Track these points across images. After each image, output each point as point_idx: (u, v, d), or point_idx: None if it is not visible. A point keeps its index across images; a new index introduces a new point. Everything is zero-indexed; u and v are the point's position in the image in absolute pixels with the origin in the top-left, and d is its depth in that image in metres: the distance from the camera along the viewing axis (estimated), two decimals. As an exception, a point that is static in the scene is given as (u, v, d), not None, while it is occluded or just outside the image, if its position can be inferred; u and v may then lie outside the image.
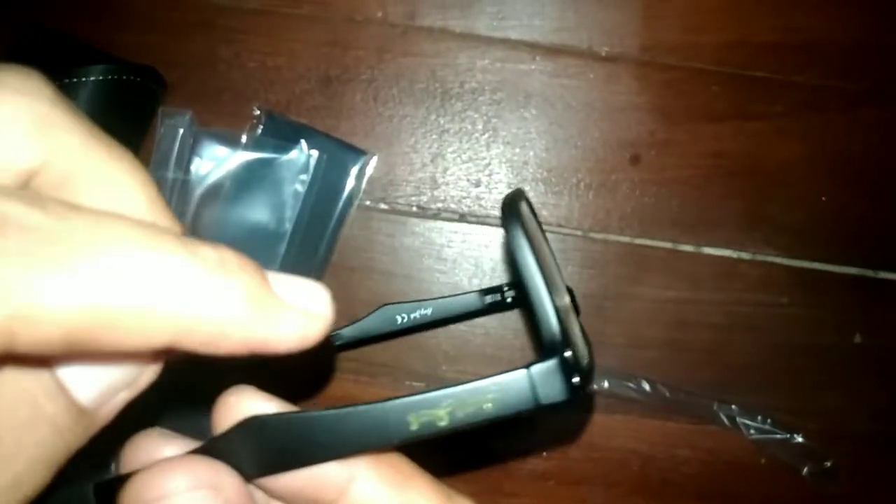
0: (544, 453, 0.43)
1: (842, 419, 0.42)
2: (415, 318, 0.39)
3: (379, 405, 0.16)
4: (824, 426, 0.42)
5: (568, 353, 0.16)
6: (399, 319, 0.39)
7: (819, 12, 0.43)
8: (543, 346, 0.16)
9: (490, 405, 0.16)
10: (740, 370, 0.43)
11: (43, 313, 0.12)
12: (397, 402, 0.16)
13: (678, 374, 0.43)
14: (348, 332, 0.40)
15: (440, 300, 0.39)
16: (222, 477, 0.16)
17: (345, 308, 0.43)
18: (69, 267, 0.12)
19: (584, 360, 0.17)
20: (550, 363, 0.16)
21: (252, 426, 0.17)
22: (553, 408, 0.16)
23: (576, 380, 0.16)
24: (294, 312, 0.15)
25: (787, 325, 0.43)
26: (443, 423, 0.16)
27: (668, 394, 0.42)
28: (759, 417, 0.41)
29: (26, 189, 0.15)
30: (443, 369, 0.43)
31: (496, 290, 0.40)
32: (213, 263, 0.14)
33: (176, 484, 0.15)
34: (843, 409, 0.42)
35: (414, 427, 0.16)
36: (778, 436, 0.41)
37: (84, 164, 0.15)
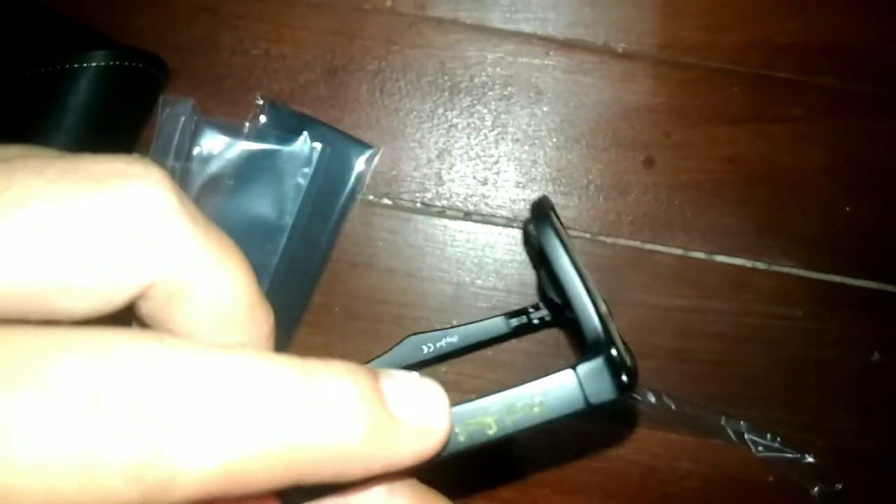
0: (541, 460, 0.42)
1: (854, 439, 0.41)
2: (441, 346, 0.38)
3: None
4: (836, 445, 0.41)
5: (614, 351, 0.15)
6: (425, 349, 0.38)
7: (845, 14, 0.41)
8: (587, 346, 0.16)
9: (538, 409, 0.15)
10: (749, 384, 0.42)
11: (179, 480, 0.11)
12: None
13: (684, 386, 0.42)
14: (374, 365, 0.38)
15: (465, 327, 0.38)
16: None
17: (345, 304, 0.42)
18: (201, 430, 0.11)
19: (629, 359, 0.17)
20: (597, 361, 0.15)
21: None
22: (602, 408, 0.15)
23: (624, 377, 0.15)
24: (414, 433, 0.14)
25: (800, 338, 0.41)
26: (491, 432, 0.15)
27: (673, 405, 0.41)
28: (769, 434, 0.40)
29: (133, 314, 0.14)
30: (442, 370, 0.42)
31: (521, 312, 0.39)
32: (330, 390, 0.13)
33: None
34: (856, 429, 0.41)
35: (462, 438, 0.15)
36: (787, 454, 0.40)
37: (198, 273, 0.14)
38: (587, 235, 0.42)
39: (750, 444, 0.40)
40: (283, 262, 0.41)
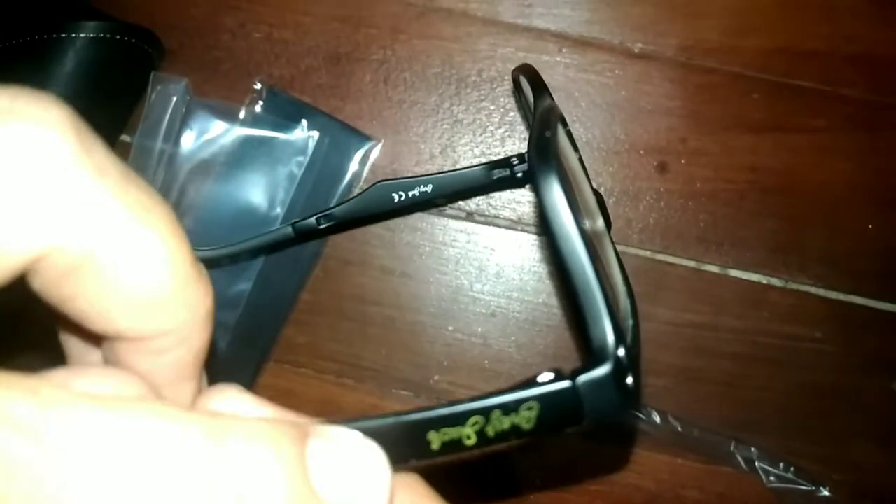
0: (538, 481, 0.39)
1: (875, 474, 0.38)
2: (413, 195, 0.35)
3: (392, 420, 0.13)
4: (854, 480, 0.38)
5: (622, 353, 0.13)
6: (396, 197, 0.35)
7: (875, 22, 0.39)
8: (591, 351, 0.13)
9: (526, 423, 0.13)
10: (761, 408, 0.39)
11: None
12: (415, 416, 0.13)
13: (692, 407, 0.39)
14: (340, 211, 0.35)
15: (441, 175, 0.35)
16: None
17: (334, 303, 0.40)
18: None
19: (630, 338, 0.14)
20: (601, 372, 0.13)
21: None
22: (601, 424, 0.13)
23: (629, 381, 0.13)
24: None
25: (818, 362, 0.39)
26: (470, 443, 0.13)
27: (679, 428, 0.38)
28: (781, 464, 0.37)
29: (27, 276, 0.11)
30: (435, 379, 0.40)
31: (504, 163, 0.35)
32: (245, 458, 0.11)
33: None
34: (877, 462, 0.38)
35: (435, 447, 0.13)
36: (801, 486, 0.37)
37: (109, 241, 0.11)
38: (595, 242, 0.40)
39: (761, 472, 0.37)
40: (270, 255, 0.39)
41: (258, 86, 0.40)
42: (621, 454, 0.39)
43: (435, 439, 0.13)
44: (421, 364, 0.40)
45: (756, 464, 0.37)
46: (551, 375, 0.13)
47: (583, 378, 0.13)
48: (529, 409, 0.13)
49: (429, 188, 0.35)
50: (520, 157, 0.35)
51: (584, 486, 0.39)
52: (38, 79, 0.36)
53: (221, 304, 0.40)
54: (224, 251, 0.36)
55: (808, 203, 0.39)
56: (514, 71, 0.35)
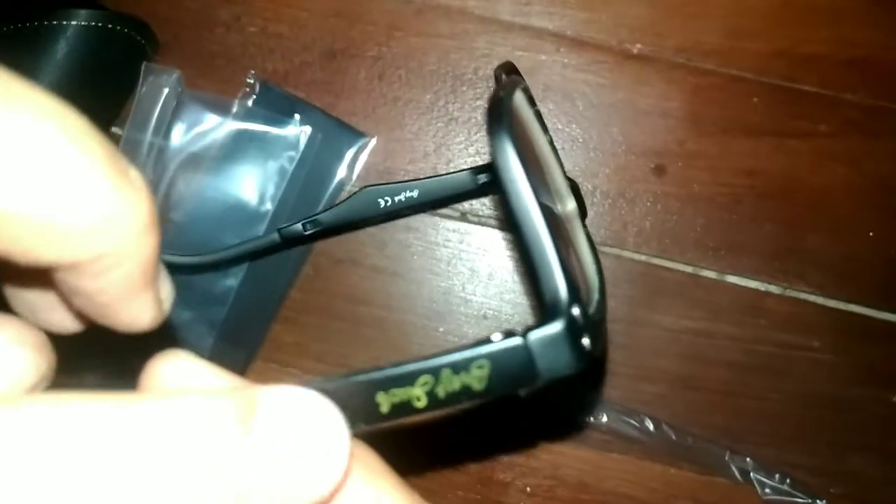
0: (528, 489, 0.38)
1: (874, 488, 0.37)
2: (399, 200, 0.34)
3: (339, 381, 0.13)
4: (853, 494, 0.37)
5: (576, 311, 0.12)
6: (382, 203, 0.35)
7: (878, 26, 0.38)
8: (544, 305, 0.13)
9: (477, 383, 0.12)
10: (757, 418, 0.38)
11: None
12: (362, 378, 0.13)
13: (686, 415, 0.38)
14: (326, 217, 0.35)
15: (427, 180, 0.35)
16: None
17: (324, 302, 0.39)
18: None
19: (594, 303, 0.14)
20: (554, 327, 0.12)
21: None
22: (558, 381, 0.13)
23: (585, 341, 0.13)
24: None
25: (816, 372, 0.38)
26: (420, 405, 0.13)
27: (673, 436, 0.37)
28: (777, 475, 0.36)
29: None
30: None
31: (489, 167, 0.35)
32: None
33: None
34: (874, 475, 0.37)
35: (384, 409, 0.13)
36: (798, 499, 0.36)
37: None
38: (590, 245, 0.39)
39: (756, 484, 0.36)
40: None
41: (251, 80, 0.40)
42: (613, 462, 0.38)
43: (384, 401, 0.12)
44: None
45: (751, 475, 0.36)
46: (501, 335, 0.13)
47: (535, 335, 0.12)
48: (480, 367, 0.12)
49: (415, 193, 0.35)
50: None
51: (574, 494, 0.38)
52: (27, 66, 0.35)
53: (209, 300, 0.39)
54: (207, 258, 0.36)
55: (807, 208, 0.39)
56: (496, 69, 0.35)
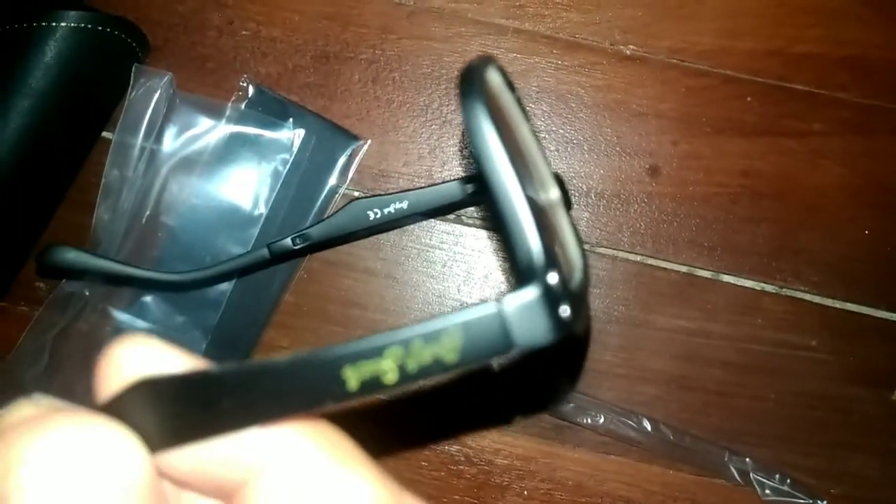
0: (525, 492, 0.38)
1: (874, 488, 0.37)
2: (389, 212, 0.34)
3: (303, 356, 0.12)
4: (851, 492, 0.36)
5: (552, 278, 0.12)
6: (371, 215, 0.35)
7: (870, 25, 0.38)
8: (519, 269, 0.12)
9: (450, 353, 0.12)
10: (755, 418, 0.38)
11: None
12: (327, 351, 0.12)
13: (683, 415, 0.38)
14: (316, 231, 0.35)
15: (416, 191, 0.35)
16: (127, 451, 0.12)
17: (318, 306, 0.39)
18: None
19: (576, 280, 0.13)
20: (528, 292, 0.12)
21: (145, 391, 0.13)
22: (535, 349, 0.12)
23: (563, 310, 0.12)
24: None
25: (813, 371, 0.38)
26: (389, 379, 0.12)
27: (671, 437, 0.37)
28: (777, 476, 0.36)
29: None
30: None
31: (478, 177, 0.35)
32: None
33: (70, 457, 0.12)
34: (873, 475, 0.37)
35: (352, 385, 0.12)
36: (798, 499, 0.35)
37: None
38: (585, 246, 0.39)
39: (756, 485, 0.36)
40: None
41: (245, 83, 0.39)
42: (611, 464, 0.38)
43: (352, 376, 0.12)
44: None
45: (751, 476, 0.36)
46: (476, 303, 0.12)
47: (508, 300, 0.12)
48: (452, 337, 0.12)
49: (404, 204, 0.35)
50: None
51: (571, 497, 0.37)
52: (17, 68, 0.35)
53: (201, 304, 0.38)
54: (197, 275, 0.35)
55: (801, 208, 0.39)
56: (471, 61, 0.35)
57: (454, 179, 0.35)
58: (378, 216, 0.34)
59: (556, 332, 0.12)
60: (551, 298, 0.12)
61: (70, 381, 0.38)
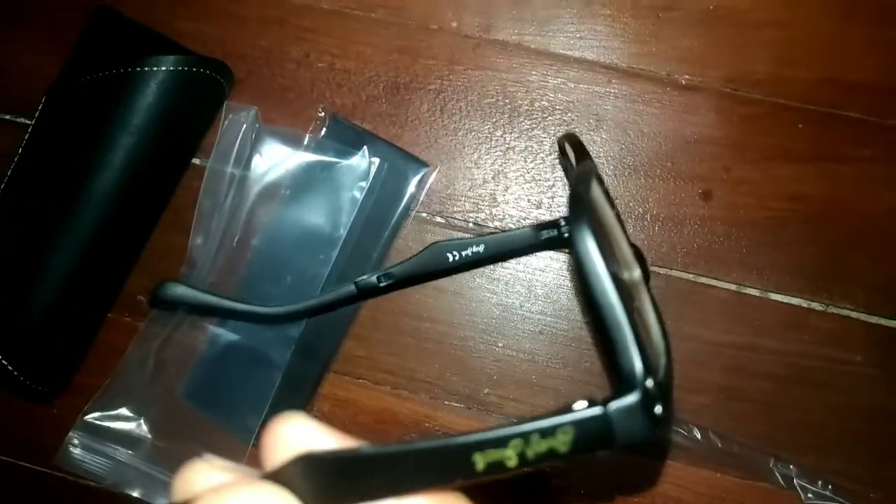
0: (581, 490, 0.41)
1: (911, 494, 0.39)
2: (466, 255, 0.38)
3: (441, 443, 0.15)
4: (892, 499, 0.39)
5: (649, 384, 0.14)
6: (450, 257, 0.38)
7: (922, 55, 0.40)
8: (621, 378, 0.14)
9: (562, 446, 0.14)
10: (801, 429, 0.40)
11: None
12: (461, 440, 0.15)
13: (730, 424, 0.41)
14: (398, 270, 0.39)
15: (492, 236, 0.38)
16: None
17: (391, 320, 0.42)
18: None
19: (661, 369, 0.15)
20: (629, 399, 0.14)
21: (307, 464, 0.15)
22: (632, 444, 0.14)
23: (658, 410, 0.14)
24: None
25: (858, 385, 0.40)
26: (511, 464, 0.14)
27: (719, 444, 0.40)
28: (820, 482, 0.38)
29: None
30: (485, 392, 0.42)
31: (552, 224, 0.38)
32: None
33: None
34: (912, 482, 0.39)
35: (479, 467, 0.14)
36: (839, 504, 0.38)
37: None
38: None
39: (799, 490, 0.39)
40: (333, 273, 0.41)
41: (321, 113, 0.42)
42: (662, 467, 0.41)
43: (479, 460, 0.14)
44: (472, 378, 0.42)
45: (795, 481, 0.39)
46: (585, 403, 0.14)
47: (613, 405, 0.14)
48: (565, 433, 0.14)
49: (481, 248, 0.38)
50: (566, 218, 0.37)
51: (627, 498, 0.41)
52: (122, 109, 0.38)
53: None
54: (292, 309, 0.39)
55: (850, 231, 0.40)
56: (559, 138, 0.37)
57: (529, 226, 0.38)
58: (457, 258, 0.38)
59: (652, 429, 0.14)
60: (648, 403, 0.14)
61: (171, 386, 0.42)
